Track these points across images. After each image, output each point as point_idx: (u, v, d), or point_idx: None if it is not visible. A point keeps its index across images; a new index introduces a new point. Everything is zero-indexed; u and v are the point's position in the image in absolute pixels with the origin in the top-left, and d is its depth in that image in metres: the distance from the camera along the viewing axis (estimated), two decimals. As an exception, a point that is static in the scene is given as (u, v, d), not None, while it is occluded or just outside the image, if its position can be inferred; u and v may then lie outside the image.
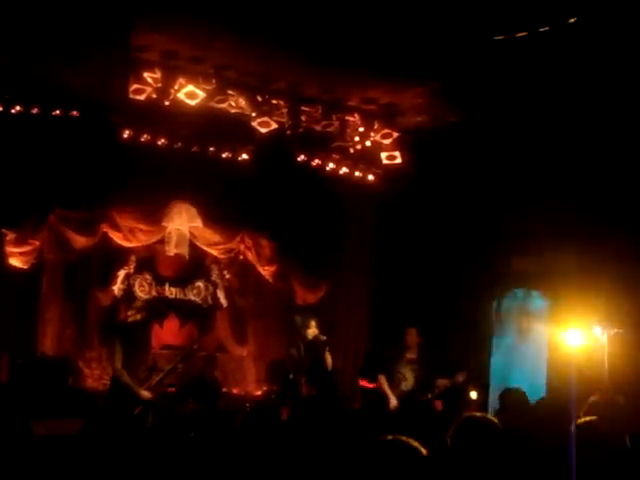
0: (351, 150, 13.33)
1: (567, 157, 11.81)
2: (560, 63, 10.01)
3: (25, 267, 11.83)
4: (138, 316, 9.70)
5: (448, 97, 11.85)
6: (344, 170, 13.56)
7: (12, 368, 11.20)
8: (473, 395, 12.12)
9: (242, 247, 13.89)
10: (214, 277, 14.00)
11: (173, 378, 11.65)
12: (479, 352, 13.30)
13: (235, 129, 12.48)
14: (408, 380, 10.94)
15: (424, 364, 11.03)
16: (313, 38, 9.93)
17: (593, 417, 5.18)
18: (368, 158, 13.52)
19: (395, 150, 13.12)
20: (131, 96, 11.13)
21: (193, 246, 13.37)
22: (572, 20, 8.72)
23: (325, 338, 11.67)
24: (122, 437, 4.64)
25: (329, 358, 11.62)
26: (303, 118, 12.56)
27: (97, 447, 4.48)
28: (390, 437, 3.00)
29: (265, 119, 12.02)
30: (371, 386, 11.76)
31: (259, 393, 13.11)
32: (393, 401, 10.61)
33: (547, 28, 8.96)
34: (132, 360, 9.40)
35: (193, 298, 13.80)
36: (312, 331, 11.61)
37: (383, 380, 10.96)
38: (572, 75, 10.27)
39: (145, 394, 9.20)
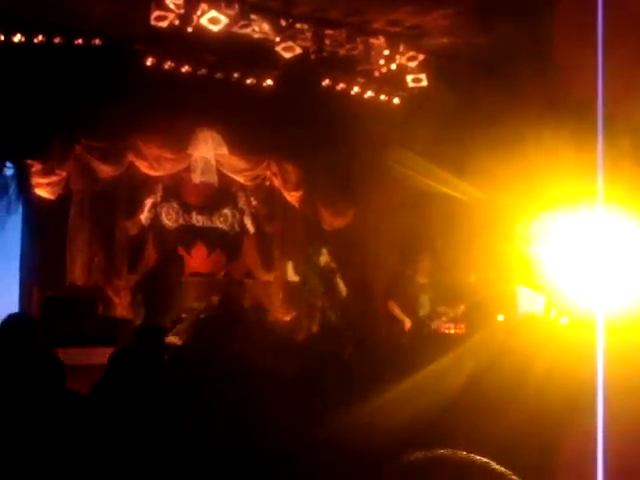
0: (376, 73, 13.13)
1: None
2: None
3: (52, 197, 11.89)
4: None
5: (475, 17, 11.62)
6: (369, 94, 13.39)
7: (43, 301, 11.31)
8: None
9: (268, 173, 13.86)
10: (241, 204, 14.01)
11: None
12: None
13: (259, 55, 12.32)
14: (424, 306, 10.96)
15: (437, 288, 11.05)
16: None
17: None
18: (393, 81, 13.32)
19: (421, 73, 12.94)
20: (153, 23, 11.01)
21: (219, 173, 13.33)
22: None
23: (335, 266, 11.72)
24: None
25: (341, 284, 11.68)
26: (327, 42, 12.37)
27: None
28: None
29: (289, 44, 11.87)
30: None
31: (288, 318, 13.19)
32: (407, 323, 10.64)
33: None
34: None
35: (220, 225, 13.84)
36: (324, 259, 11.66)
37: (393, 305, 10.97)
38: None
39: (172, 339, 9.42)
